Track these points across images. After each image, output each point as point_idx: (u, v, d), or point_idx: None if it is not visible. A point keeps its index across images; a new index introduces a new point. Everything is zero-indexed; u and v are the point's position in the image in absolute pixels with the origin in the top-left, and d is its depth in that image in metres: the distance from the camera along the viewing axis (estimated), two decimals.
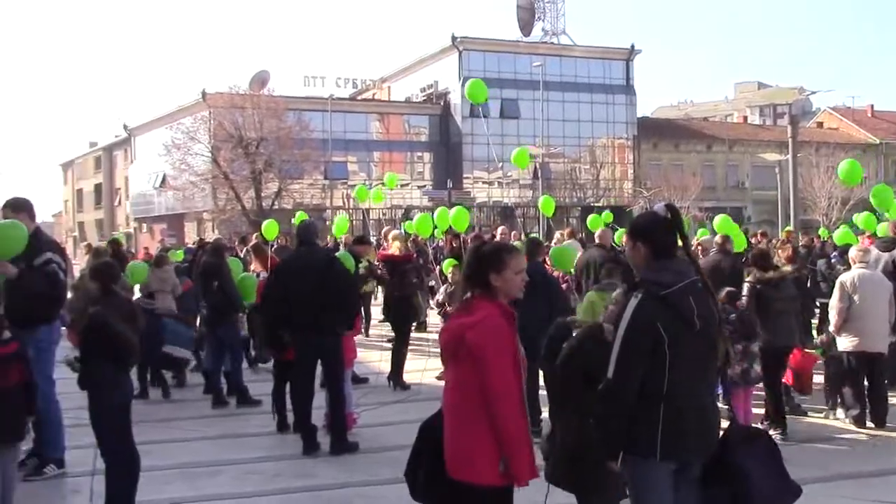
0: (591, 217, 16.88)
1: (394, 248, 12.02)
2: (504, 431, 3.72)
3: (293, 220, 21.25)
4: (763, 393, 8.50)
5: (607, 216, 27.76)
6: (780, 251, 11.61)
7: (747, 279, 8.56)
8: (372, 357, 12.18)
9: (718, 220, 14.24)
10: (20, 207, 7.13)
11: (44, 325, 7.05)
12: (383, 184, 24.41)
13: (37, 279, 6.86)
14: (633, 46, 57.67)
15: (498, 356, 3.75)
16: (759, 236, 17.87)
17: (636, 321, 3.64)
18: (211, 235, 25.06)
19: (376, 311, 15.62)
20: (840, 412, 8.89)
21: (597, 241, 11.85)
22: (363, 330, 14.48)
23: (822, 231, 22.87)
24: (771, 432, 7.74)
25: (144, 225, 63.36)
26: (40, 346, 6.98)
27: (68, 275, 8.13)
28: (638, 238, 3.89)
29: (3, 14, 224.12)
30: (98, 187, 76.46)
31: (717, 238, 11.09)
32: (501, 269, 3.90)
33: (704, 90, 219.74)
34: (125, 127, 64.44)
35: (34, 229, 7.12)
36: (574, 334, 4.50)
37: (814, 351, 9.38)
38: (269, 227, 17.23)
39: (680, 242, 3.88)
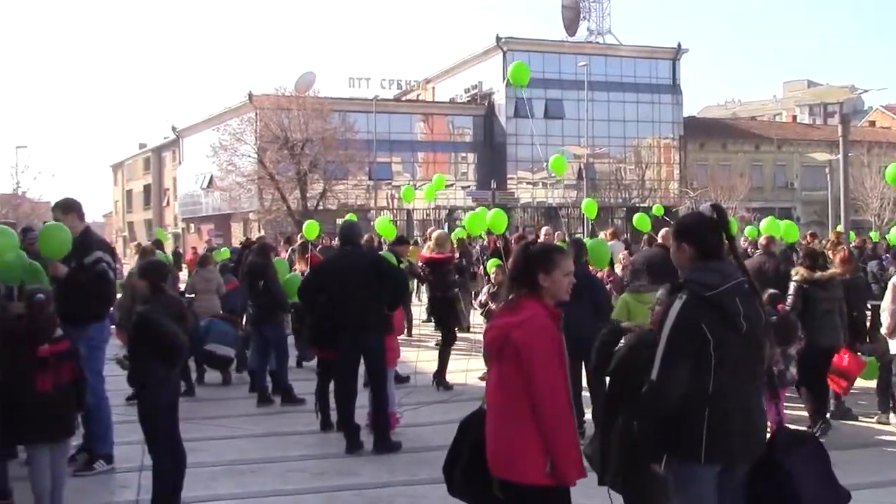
0: (637, 216, 16.64)
1: (425, 249, 12.06)
2: (550, 431, 3.68)
3: (338, 221, 21.46)
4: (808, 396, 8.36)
5: (658, 209, 27.38)
6: (832, 252, 11.41)
7: (794, 278, 8.42)
8: (414, 357, 12.20)
9: (765, 222, 14.05)
10: (69, 208, 7.28)
11: (94, 323, 7.19)
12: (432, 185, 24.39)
13: (87, 278, 7.00)
14: (679, 45, 57.13)
15: (545, 356, 3.72)
16: (808, 237, 17.58)
17: (680, 322, 3.60)
18: (256, 234, 25.30)
19: (416, 311, 15.67)
20: (892, 416, 8.71)
21: (660, 240, 11.72)
22: (406, 330, 14.51)
23: (872, 234, 22.41)
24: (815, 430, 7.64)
25: (192, 225, 64.28)
26: (91, 343, 7.11)
27: (117, 274, 8.27)
28: (683, 238, 3.84)
29: (54, 20, 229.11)
30: (147, 188, 77.75)
31: (762, 239, 10.93)
32: (551, 269, 3.85)
33: (752, 89, 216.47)
34: (173, 129, 65.47)
35: (84, 229, 7.27)
36: (624, 339, 4.45)
37: (863, 356, 9.18)
38: (310, 227, 17.36)
39: (726, 243, 3.82)
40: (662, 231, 11.86)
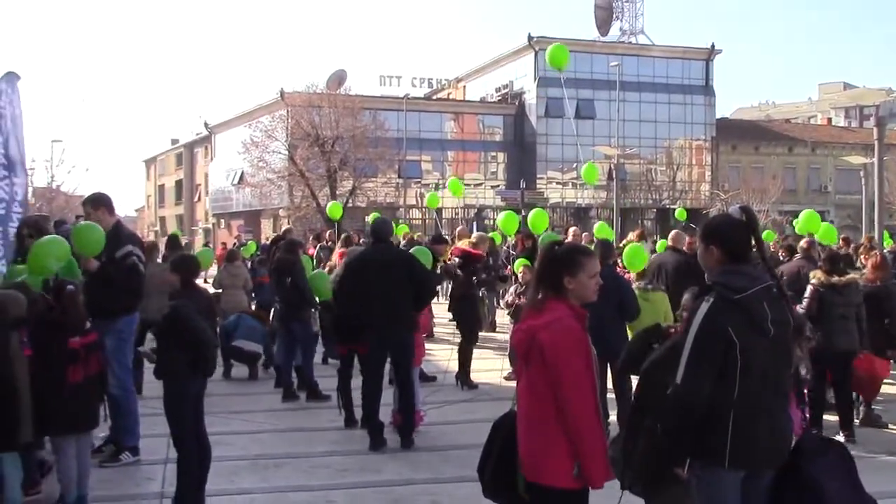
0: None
1: (461, 243, 12.12)
2: (577, 434, 3.64)
3: (367, 218, 21.52)
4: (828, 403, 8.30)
5: (680, 213, 27.01)
6: (864, 257, 11.25)
7: (812, 281, 8.34)
8: (440, 355, 12.21)
9: (803, 216, 13.80)
10: (99, 203, 7.35)
11: (124, 316, 7.25)
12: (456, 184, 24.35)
13: (117, 271, 7.06)
14: (713, 46, 56.63)
15: (571, 358, 3.68)
16: (841, 242, 17.35)
17: (707, 325, 3.56)
18: (282, 227, 25.43)
19: (440, 309, 15.64)
20: None
21: (669, 242, 11.60)
22: (431, 330, 14.52)
23: None
24: (841, 437, 7.55)
25: (222, 221, 64.78)
26: (120, 336, 7.19)
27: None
28: (711, 240, 3.79)
29: (90, 18, 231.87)
30: (179, 183, 78.49)
31: (802, 242, 10.83)
32: (576, 271, 3.80)
33: (787, 91, 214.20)
34: (206, 125, 65.97)
35: (115, 223, 7.34)
36: (658, 343, 4.40)
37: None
38: (334, 208, 17.40)
39: (755, 246, 3.77)
40: (672, 233, 11.76)
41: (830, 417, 8.31)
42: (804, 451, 3.75)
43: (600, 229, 12.40)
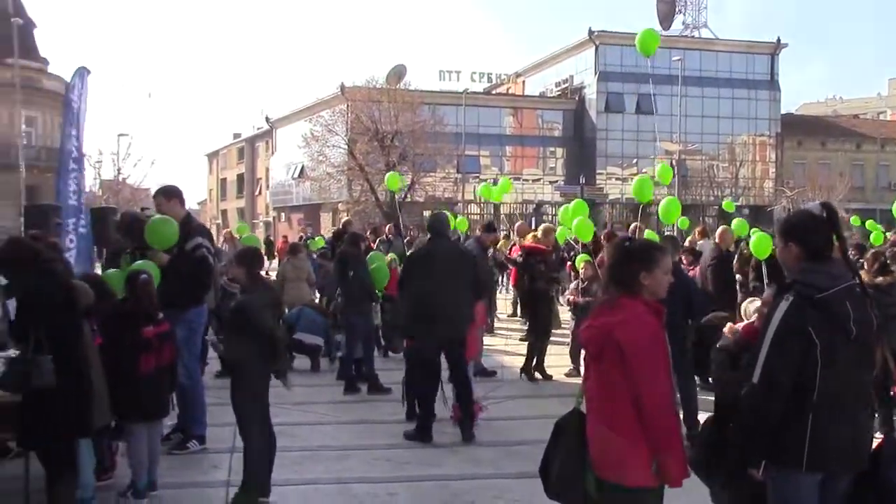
0: (736, 221, 16.06)
1: (528, 238, 12.10)
2: (656, 431, 3.58)
3: (425, 213, 21.55)
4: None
5: (727, 205, 26.45)
6: None
7: None
8: (499, 350, 12.19)
9: None
10: (171, 194, 7.48)
11: (194, 307, 7.37)
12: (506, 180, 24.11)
13: (187, 263, 7.17)
14: (778, 40, 55.53)
15: (647, 354, 3.61)
16: None
17: (786, 325, 3.47)
18: (342, 221, 25.62)
19: (500, 305, 15.58)
20: None
21: (717, 239, 11.58)
22: (488, 323, 14.48)
23: None
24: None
25: (283, 214, 65.58)
26: (191, 326, 7.30)
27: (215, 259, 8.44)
28: (790, 238, 3.70)
29: (157, 14, 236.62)
30: (240, 177, 79.64)
31: None
32: (652, 267, 3.74)
33: (855, 86, 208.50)
34: (267, 119, 66.86)
35: (185, 215, 7.47)
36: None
37: None
38: (392, 179, 17.50)
39: (836, 243, 3.67)
40: (719, 230, 11.72)
41: None
42: (885, 457, 3.64)
43: (669, 204, 12.16)
